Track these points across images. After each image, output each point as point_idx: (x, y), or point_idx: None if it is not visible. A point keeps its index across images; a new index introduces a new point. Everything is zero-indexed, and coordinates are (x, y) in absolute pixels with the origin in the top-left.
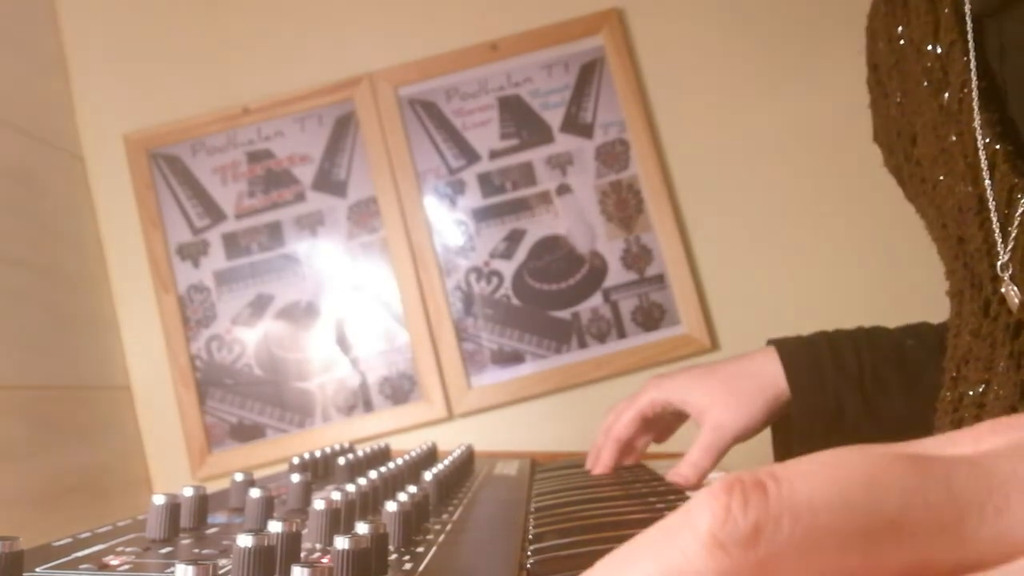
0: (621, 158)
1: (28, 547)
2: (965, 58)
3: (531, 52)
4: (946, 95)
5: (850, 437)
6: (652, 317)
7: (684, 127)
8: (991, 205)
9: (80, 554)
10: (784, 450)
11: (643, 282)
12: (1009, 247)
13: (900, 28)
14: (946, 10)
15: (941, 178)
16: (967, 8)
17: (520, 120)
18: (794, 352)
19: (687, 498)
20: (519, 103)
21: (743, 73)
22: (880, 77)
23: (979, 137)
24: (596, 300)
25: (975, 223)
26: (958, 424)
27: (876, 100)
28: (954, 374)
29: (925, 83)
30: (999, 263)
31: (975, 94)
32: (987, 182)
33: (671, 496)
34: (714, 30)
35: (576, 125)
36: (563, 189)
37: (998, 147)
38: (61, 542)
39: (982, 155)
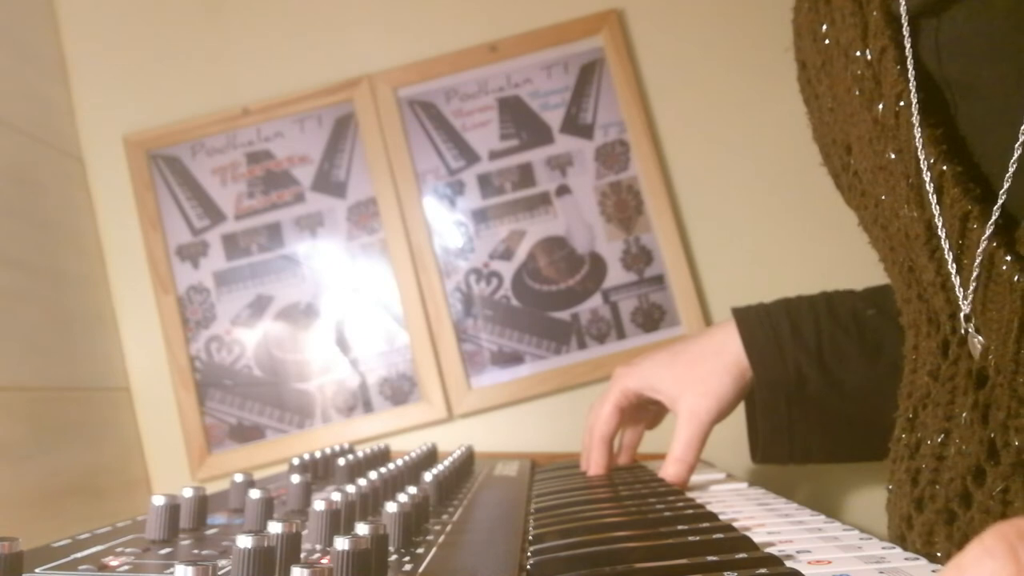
0: (621, 159)
1: (28, 548)
2: (899, 66)
3: (531, 53)
4: (880, 107)
5: (812, 408)
6: (652, 318)
7: (684, 127)
8: (941, 234)
9: (79, 555)
10: (752, 420)
11: (643, 283)
12: (970, 290)
13: (825, 27)
14: (875, 12)
15: (883, 197)
16: (903, 8)
17: (520, 121)
18: (753, 325)
19: (686, 498)
20: (519, 104)
21: (743, 74)
22: (809, 76)
23: (921, 157)
24: (596, 301)
25: (925, 253)
26: (915, 474)
27: (808, 100)
28: (910, 416)
29: (856, 92)
30: (962, 313)
31: (915, 107)
32: (935, 208)
33: (671, 496)
34: (714, 31)
35: (576, 126)
36: (563, 190)
37: (945, 168)
38: (60, 543)
39: (927, 177)
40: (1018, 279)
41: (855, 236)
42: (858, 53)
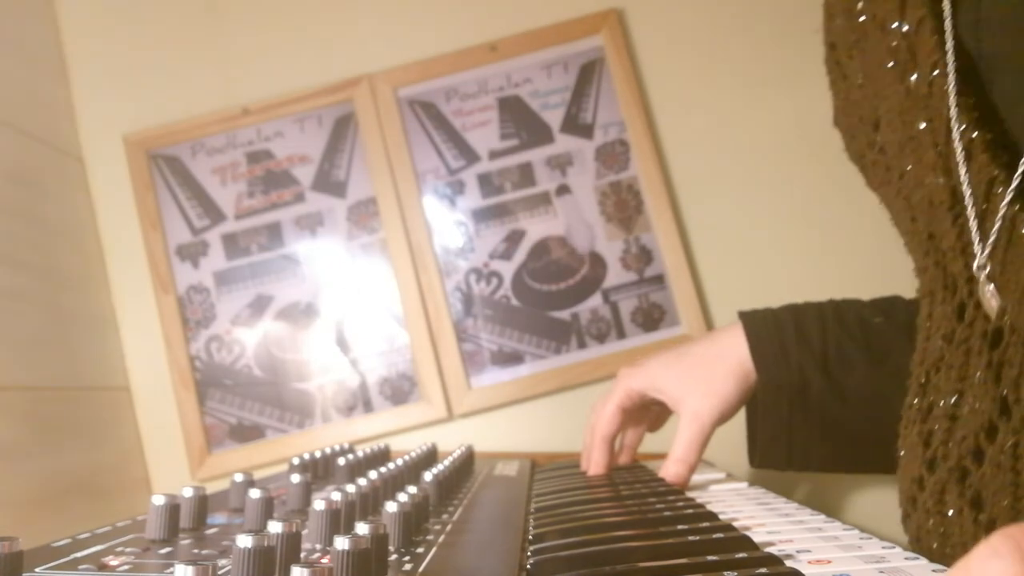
0: (621, 159)
1: (28, 548)
2: (936, 36)
3: (531, 53)
4: (913, 77)
5: (814, 414)
6: (652, 318)
7: (684, 127)
8: (967, 199)
9: (80, 554)
10: (752, 424)
11: (643, 283)
12: (989, 242)
13: (860, 3)
14: None
15: (908, 168)
16: None
17: (520, 121)
18: (760, 329)
19: (686, 497)
20: (519, 104)
21: (743, 73)
22: (839, 57)
23: (954, 124)
24: (595, 301)
25: (947, 219)
26: (927, 436)
27: (835, 81)
28: (923, 381)
29: (890, 63)
30: (975, 264)
31: (951, 76)
32: (962, 173)
33: (671, 496)
34: (714, 30)
35: (576, 126)
36: (563, 190)
37: (975, 135)
38: (60, 543)
39: (957, 144)
40: None
41: (855, 235)
42: (894, 25)
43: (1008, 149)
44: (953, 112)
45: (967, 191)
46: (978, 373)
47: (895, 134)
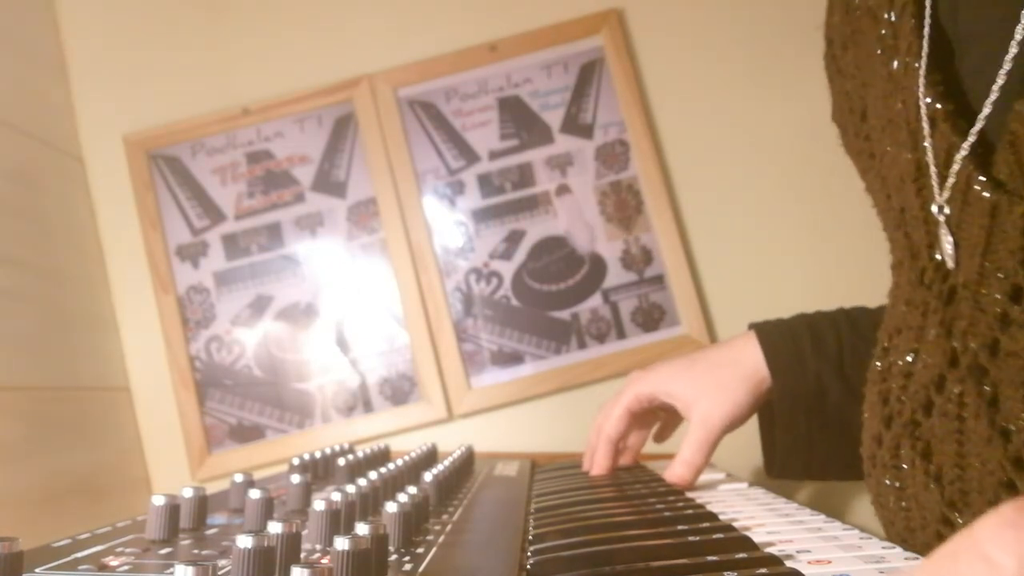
0: (621, 159)
1: (28, 548)
2: (915, 20)
3: (530, 53)
4: (895, 63)
5: (832, 419)
6: (652, 318)
7: (684, 127)
8: (931, 169)
9: (80, 555)
10: (768, 434)
11: (643, 283)
12: (945, 209)
13: None
14: None
15: (888, 149)
16: None
17: (520, 121)
18: (774, 336)
19: (686, 498)
20: (519, 104)
21: (743, 73)
22: (835, 52)
23: (921, 98)
24: (595, 301)
25: (912, 191)
26: (885, 395)
27: (832, 77)
28: (886, 344)
29: (878, 51)
30: (934, 206)
31: (924, 55)
32: (927, 144)
33: (671, 496)
34: (714, 31)
35: (576, 126)
36: (563, 190)
37: (939, 106)
38: (60, 543)
39: (924, 116)
40: (988, 196)
41: (854, 234)
42: (885, 15)
43: (969, 120)
44: (921, 87)
45: (930, 159)
46: (932, 331)
47: (879, 119)
